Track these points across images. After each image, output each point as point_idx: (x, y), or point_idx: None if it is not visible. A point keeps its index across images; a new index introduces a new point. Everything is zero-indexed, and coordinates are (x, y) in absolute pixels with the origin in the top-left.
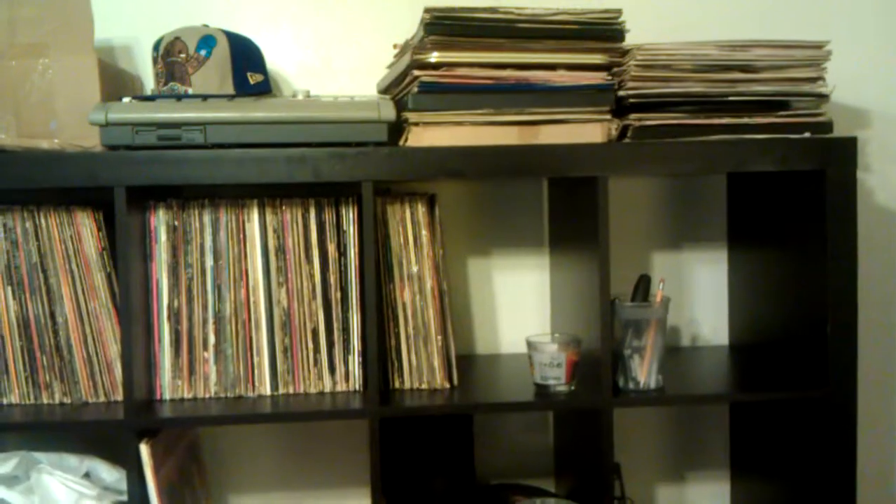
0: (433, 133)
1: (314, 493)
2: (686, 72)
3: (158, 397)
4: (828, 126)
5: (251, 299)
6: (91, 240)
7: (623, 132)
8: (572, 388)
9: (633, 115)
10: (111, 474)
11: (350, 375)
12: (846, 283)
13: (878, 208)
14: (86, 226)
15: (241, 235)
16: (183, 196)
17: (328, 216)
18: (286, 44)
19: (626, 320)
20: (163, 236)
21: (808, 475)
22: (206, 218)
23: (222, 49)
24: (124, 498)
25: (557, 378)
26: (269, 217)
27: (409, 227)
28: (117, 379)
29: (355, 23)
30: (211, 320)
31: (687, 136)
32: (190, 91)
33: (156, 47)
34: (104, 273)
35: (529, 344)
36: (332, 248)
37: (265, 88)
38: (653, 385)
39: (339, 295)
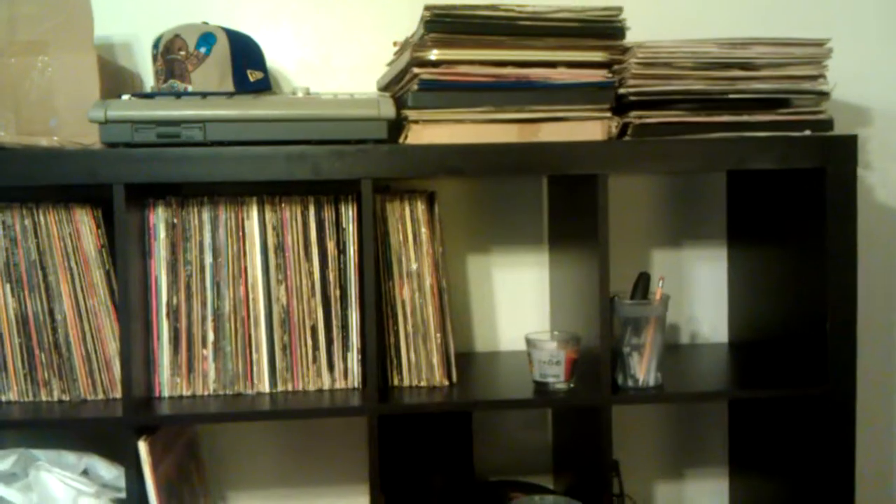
0: (433, 130)
1: (313, 491)
2: (686, 69)
3: (157, 394)
4: (828, 124)
5: (250, 297)
6: (90, 237)
7: (623, 130)
8: (571, 385)
9: (633, 113)
10: (110, 471)
11: (349, 373)
12: (846, 281)
13: (878, 206)
14: (85, 223)
15: (241, 233)
16: (182, 193)
17: (327, 214)
18: (286, 41)
19: (626, 318)
20: (162, 233)
21: (806, 472)
22: (206, 215)
23: (222, 46)
24: (123, 495)
25: (556, 375)
26: (268, 214)
27: (408, 224)
28: (116, 376)
29: (355, 20)
30: (210, 317)
31: (687, 133)
32: (189, 88)
33: (155, 45)
34: (103, 270)
35: (528, 341)
36: (331, 246)
37: (265, 86)
38: (652, 382)
39: (338, 292)
